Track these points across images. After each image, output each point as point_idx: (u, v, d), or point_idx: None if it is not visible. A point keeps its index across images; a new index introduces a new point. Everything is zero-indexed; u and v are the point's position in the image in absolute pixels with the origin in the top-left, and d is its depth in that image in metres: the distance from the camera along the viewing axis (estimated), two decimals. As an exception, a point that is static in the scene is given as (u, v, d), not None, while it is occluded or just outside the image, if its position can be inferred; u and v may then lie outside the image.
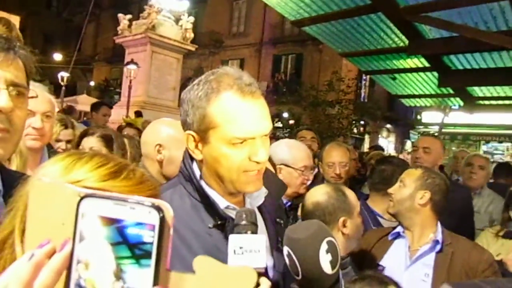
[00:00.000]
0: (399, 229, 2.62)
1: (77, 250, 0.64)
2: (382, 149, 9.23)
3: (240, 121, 1.38)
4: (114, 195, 0.65)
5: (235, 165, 1.41)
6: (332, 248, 1.49)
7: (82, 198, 0.64)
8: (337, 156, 3.62)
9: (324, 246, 1.47)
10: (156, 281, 0.61)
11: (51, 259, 0.65)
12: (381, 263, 2.55)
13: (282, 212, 1.87)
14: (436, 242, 2.44)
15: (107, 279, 0.61)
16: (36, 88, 2.26)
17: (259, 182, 1.49)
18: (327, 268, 1.47)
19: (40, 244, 0.67)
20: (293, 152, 2.94)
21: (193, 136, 1.46)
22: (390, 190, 2.68)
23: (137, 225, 0.62)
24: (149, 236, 0.61)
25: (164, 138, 2.52)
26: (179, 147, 2.14)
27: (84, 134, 3.11)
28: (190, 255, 1.35)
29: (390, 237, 2.64)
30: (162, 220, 0.62)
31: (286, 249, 1.51)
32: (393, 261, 2.53)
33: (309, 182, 2.93)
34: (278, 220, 1.70)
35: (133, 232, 0.62)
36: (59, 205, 0.68)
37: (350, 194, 2.21)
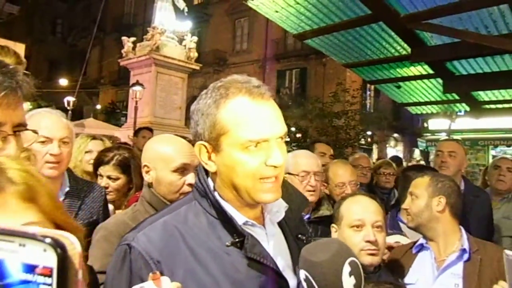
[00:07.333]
0: (422, 240, 2.54)
1: None
2: (401, 161, 8.61)
3: (251, 122, 1.31)
4: None
5: (250, 172, 1.32)
6: (355, 270, 1.36)
7: None
8: (345, 176, 3.47)
9: (346, 269, 1.34)
10: None
11: None
12: (407, 278, 2.44)
13: (304, 227, 1.76)
14: (463, 250, 2.36)
15: None
16: (53, 115, 2.29)
17: (277, 191, 1.38)
18: None
19: None
20: (295, 159, 2.90)
21: (205, 146, 1.37)
22: (403, 206, 2.64)
23: (26, 270, 0.42)
24: (45, 285, 0.43)
25: None
26: None
27: (100, 161, 3.15)
28: (207, 277, 1.30)
29: (414, 250, 2.55)
30: (63, 260, 0.43)
31: (303, 273, 1.36)
32: (419, 274, 2.43)
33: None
34: (300, 236, 1.57)
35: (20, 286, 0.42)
36: None
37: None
